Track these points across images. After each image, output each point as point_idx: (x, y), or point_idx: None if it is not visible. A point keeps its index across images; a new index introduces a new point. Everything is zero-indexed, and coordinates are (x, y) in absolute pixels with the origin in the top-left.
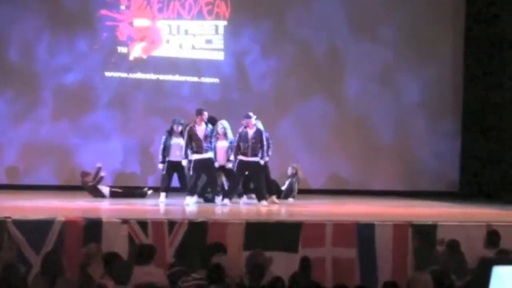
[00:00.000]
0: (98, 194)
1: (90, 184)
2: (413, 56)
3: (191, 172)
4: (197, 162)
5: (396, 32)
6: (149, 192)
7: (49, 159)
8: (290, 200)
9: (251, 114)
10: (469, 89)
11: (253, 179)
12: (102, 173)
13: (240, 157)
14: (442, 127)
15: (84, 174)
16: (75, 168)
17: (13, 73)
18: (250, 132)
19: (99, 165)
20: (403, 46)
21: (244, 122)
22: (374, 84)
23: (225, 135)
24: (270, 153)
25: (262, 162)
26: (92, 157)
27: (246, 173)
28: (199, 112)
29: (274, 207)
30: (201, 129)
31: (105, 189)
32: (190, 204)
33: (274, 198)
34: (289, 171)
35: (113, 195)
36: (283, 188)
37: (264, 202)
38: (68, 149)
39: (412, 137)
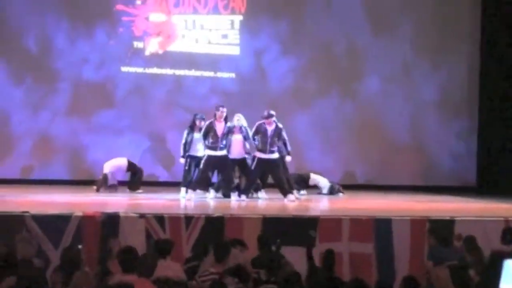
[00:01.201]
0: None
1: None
2: (431, 54)
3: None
4: (211, 158)
5: (415, 31)
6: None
7: (63, 152)
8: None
9: (272, 112)
10: (486, 86)
11: (274, 176)
12: (112, 181)
13: (258, 155)
14: (459, 123)
15: (98, 186)
16: (88, 162)
17: (32, 63)
18: (270, 129)
19: (105, 172)
20: (422, 44)
21: (266, 121)
22: (392, 82)
23: (240, 128)
24: (289, 148)
25: (289, 158)
26: (106, 151)
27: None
28: (217, 108)
29: (292, 203)
30: (220, 126)
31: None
32: (192, 198)
33: (296, 193)
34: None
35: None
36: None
37: (291, 197)
38: (82, 143)
39: (429, 134)
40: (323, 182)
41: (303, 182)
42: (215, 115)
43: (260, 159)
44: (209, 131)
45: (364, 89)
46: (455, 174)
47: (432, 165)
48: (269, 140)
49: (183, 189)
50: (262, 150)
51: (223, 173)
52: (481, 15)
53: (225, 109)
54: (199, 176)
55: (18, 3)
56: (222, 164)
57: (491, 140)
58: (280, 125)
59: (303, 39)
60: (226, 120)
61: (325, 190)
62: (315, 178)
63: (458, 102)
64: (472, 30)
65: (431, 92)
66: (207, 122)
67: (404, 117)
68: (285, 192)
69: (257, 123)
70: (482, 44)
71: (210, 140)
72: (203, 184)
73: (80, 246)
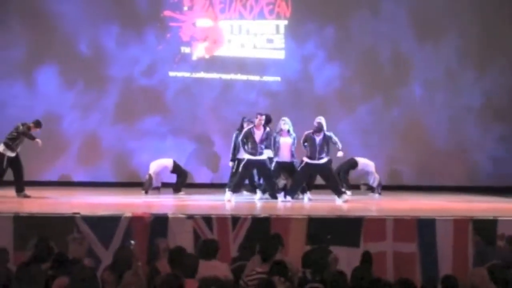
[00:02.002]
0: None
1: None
2: (474, 62)
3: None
4: (250, 162)
5: (460, 38)
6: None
7: (110, 154)
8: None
9: (321, 124)
10: None
11: (326, 179)
12: (157, 184)
13: (307, 160)
14: (501, 128)
15: (145, 188)
16: (134, 165)
17: (83, 67)
18: (318, 138)
19: (150, 172)
20: (466, 51)
21: (316, 134)
22: (435, 87)
23: (288, 131)
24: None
25: (341, 154)
26: (152, 154)
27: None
28: (256, 115)
29: (338, 204)
30: (258, 133)
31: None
32: (232, 200)
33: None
34: (373, 167)
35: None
36: (374, 183)
37: (345, 196)
38: (128, 145)
39: (471, 137)
40: (372, 168)
41: (351, 169)
42: (255, 123)
43: (309, 164)
44: (248, 137)
45: (407, 95)
46: (496, 176)
47: (473, 167)
48: (317, 148)
49: (228, 192)
50: (311, 158)
51: (264, 176)
52: None
53: (263, 117)
54: (237, 179)
55: (71, 11)
56: (261, 168)
57: None
58: (328, 133)
59: (349, 45)
60: (265, 127)
61: (370, 180)
62: (363, 163)
63: (500, 108)
64: None
65: (474, 98)
66: (246, 129)
67: (446, 122)
68: (339, 193)
69: (306, 133)
70: None
71: (250, 146)
72: (240, 187)
73: (132, 242)
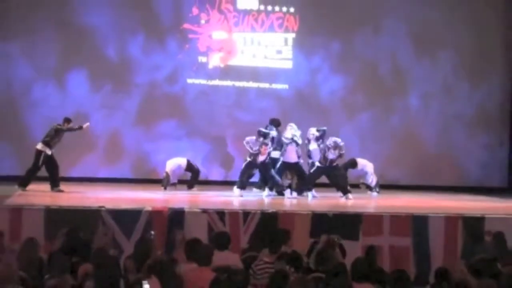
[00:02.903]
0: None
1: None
2: (468, 75)
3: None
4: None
5: (454, 53)
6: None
7: (131, 153)
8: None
9: (334, 142)
10: None
11: (334, 179)
12: (173, 181)
13: (318, 164)
14: (491, 136)
15: (164, 185)
16: (152, 164)
17: (111, 69)
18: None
19: (167, 170)
20: (460, 65)
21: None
22: (432, 99)
23: (292, 139)
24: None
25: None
26: (169, 154)
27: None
28: (262, 145)
29: (341, 201)
30: (262, 157)
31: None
32: (241, 195)
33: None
34: (372, 168)
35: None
36: (372, 183)
37: (350, 196)
38: (148, 146)
39: (465, 145)
40: (370, 169)
41: (351, 168)
42: (260, 148)
43: (320, 168)
44: (251, 167)
45: (406, 106)
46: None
47: (468, 174)
48: (328, 158)
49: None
50: (322, 163)
51: (267, 176)
52: None
53: (268, 146)
54: (241, 177)
55: (100, 20)
56: (263, 168)
57: None
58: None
59: (351, 58)
60: (269, 153)
61: (369, 180)
62: (363, 163)
63: (493, 118)
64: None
65: (467, 108)
66: (250, 159)
67: (438, 129)
68: (344, 192)
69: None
70: None
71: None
72: (245, 184)
73: (152, 232)
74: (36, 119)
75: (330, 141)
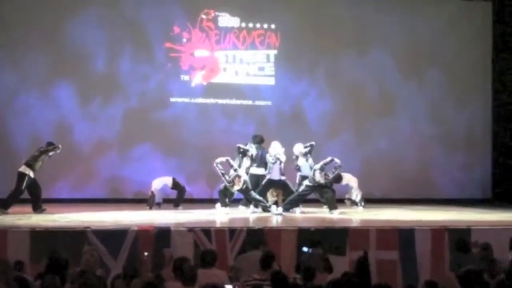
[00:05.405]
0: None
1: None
2: (454, 95)
3: None
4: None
5: (440, 74)
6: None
7: (114, 172)
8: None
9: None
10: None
11: (322, 195)
12: (159, 200)
13: (308, 184)
14: (477, 151)
15: (150, 205)
16: (135, 181)
17: (101, 81)
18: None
19: (152, 189)
20: (446, 86)
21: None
22: (416, 119)
23: (275, 156)
24: None
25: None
26: (152, 175)
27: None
28: (236, 176)
29: (328, 216)
30: (236, 188)
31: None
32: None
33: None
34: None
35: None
36: (357, 198)
37: (336, 212)
38: (130, 165)
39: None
40: (355, 183)
41: (336, 182)
42: (233, 180)
43: (308, 187)
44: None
45: (393, 126)
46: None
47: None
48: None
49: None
50: (311, 182)
51: (248, 198)
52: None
53: (243, 178)
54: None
55: (88, 34)
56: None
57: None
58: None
59: (335, 74)
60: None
61: (353, 195)
62: (348, 178)
63: (476, 137)
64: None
65: (450, 129)
66: (223, 186)
67: (419, 149)
68: (331, 208)
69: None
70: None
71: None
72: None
73: (146, 253)
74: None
75: (317, 165)
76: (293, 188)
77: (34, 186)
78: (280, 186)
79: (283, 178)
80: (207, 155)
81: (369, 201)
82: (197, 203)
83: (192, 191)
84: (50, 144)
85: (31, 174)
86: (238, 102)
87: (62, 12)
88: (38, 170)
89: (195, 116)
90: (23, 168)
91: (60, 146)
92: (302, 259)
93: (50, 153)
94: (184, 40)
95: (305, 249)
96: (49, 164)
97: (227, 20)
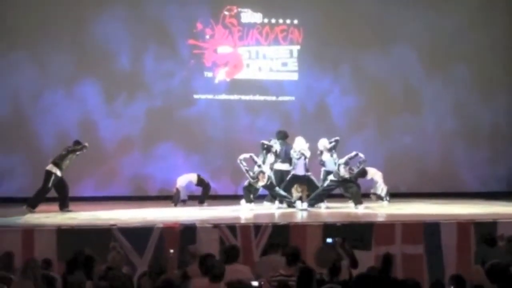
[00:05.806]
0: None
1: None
2: (479, 91)
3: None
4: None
5: (466, 70)
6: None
7: (139, 169)
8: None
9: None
10: None
11: (347, 191)
12: (184, 197)
13: (333, 178)
14: (502, 146)
15: (174, 202)
16: (160, 179)
17: (125, 79)
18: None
19: (177, 186)
20: (472, 82)
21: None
22: (445, 118)
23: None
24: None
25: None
26: (177, 172)
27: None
28: (259, 172)
29: (353, 211)
30: (260, 184)
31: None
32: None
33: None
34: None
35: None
36: (382, 193)
37: (362, 207)
38: (154, 163)
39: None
40: (380, 178)
41: (361, 177)
42: (258, 176)
43: (333, 182)
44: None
45: (418, 122)
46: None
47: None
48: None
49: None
50: (336, 176)
51: (273, 194)
52: None
53: (267, 174)
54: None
55: (112, 32)
56: (266, 188)
57: None
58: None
59: (358, 68)
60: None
61: (379, 189)
62: (373, 172)
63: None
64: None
65: (483, 125)
66: (247, 183)
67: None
68: (356, 202)
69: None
70: None
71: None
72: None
73: (171, 250)
74: (43, 125)
75: (342, 160)
76: (318, 184)
77: (61, 185)
78: (304, 181)
79: (307, 173)
80: (231, 151)
81: (394, 195)
82: (222, 199)
83: (216, 187)
84: (77, 143)
85: (58, 173)
86: (262, 98)
87: (87, 11)
88: (65, 169)
89: (219, 112)
90: (50, 167)
91: (87, 145)
92: (322, 250)
93: (78, 152)
94: (207, 36)
95: (329, 240)
96: (74, 162)
97: (249, 16)
